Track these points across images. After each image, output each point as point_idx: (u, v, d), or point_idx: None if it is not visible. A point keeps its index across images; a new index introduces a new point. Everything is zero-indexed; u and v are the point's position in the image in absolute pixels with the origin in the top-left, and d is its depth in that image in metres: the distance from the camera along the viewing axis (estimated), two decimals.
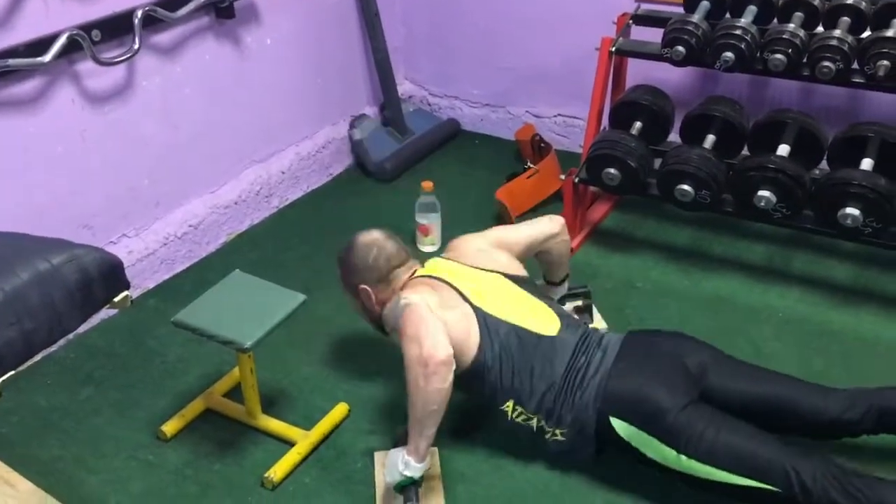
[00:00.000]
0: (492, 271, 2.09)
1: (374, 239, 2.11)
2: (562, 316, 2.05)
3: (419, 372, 1.77)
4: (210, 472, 2.06)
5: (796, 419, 1.89)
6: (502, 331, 1.95)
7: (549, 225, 2.23)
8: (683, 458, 1.77)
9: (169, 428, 2.15)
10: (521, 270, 2.15)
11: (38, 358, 2.18)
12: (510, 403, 1.93)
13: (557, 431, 1.92)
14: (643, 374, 1.87)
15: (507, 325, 1.96)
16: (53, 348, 2.35)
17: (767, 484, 1.71)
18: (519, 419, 1.94)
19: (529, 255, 2.22)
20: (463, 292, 1.98)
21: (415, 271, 2.11)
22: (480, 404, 2.15)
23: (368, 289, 2.08)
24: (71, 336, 2.33)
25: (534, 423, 1.93)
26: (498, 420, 1.98)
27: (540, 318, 2.01)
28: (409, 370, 1.80)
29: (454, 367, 1.80)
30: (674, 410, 1.79)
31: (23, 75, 2.25)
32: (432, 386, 1.77)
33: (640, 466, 1.88)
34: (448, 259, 2.15)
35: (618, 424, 1.84)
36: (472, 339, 1.92)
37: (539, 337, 1.96)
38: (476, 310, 1.96)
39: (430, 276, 2.05)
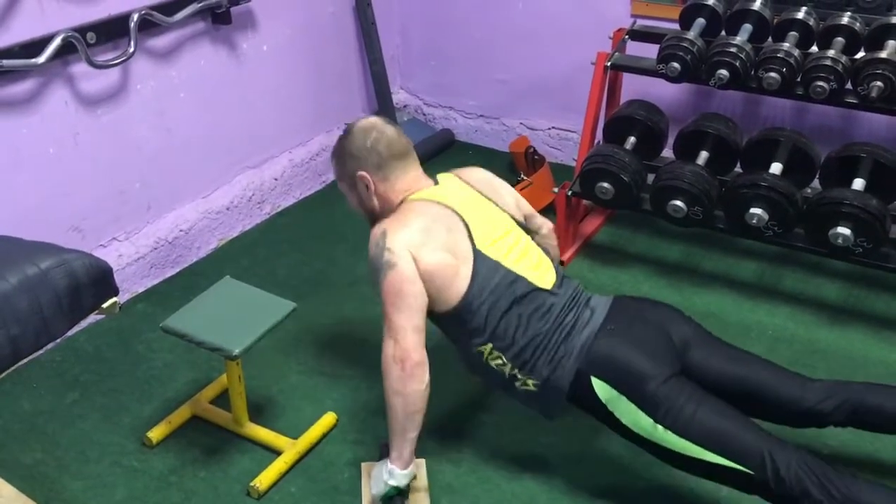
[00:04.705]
0: (503, 210, 2.02)
1: (372, 123, 1.98)
2: (558, 270, 2.01)
3: (396, 375, 1.77)
4: (195, 480, 2.04)
5: (770, 404, 1.89)
6: (497, 276, 1.88)
7: (541, 220, 2.20)
8: (660, 428, 1.75)
9: (155, 434, 2.13)
10: (522, 220, 2.08)
11: (24, 360, 2.17)
12: (488, 346, 1.88)
13: (529, 382, 1.87)
14: (630, 339, 1.85)
15: (504, 271, 1.89)
16: (40, 351, 2.33)
17: (741, 465, 1.70)
18: (493, 363, 1.89)
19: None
20: (469, 226, 1.89)
21: (419, 185, 1.97)
22: (469, 415, 2.14)
23: (367, 176, 1.94)
24: (59, 339, 2.32)
25: (507, 369, 1.88)
26: (468, 360, 1.94)
27: (538, 270, 1.95)
28: (385, 372, 1.78)
29: (427, 366, 1.78)
30: (657, 379, 1.77)
31: (17, 76, 2.24)
32: (410, 388, 1.77)
33: (632, 479, 1.87)
34: (461, 180, 2.04)
35: (598, 386, 1.81)
36: (459, 281, 1.85)
37: (533, 289, 1.90)
38: (476, 252, 1.87)
39: (436, 202, 1.92)
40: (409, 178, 1.97)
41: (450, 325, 1.92)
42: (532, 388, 1.87)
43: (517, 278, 1.89)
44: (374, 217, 1.98)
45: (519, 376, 1.88)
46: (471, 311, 1.86)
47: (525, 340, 1.86)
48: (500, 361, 1.88)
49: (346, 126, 2.02)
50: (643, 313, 1.95)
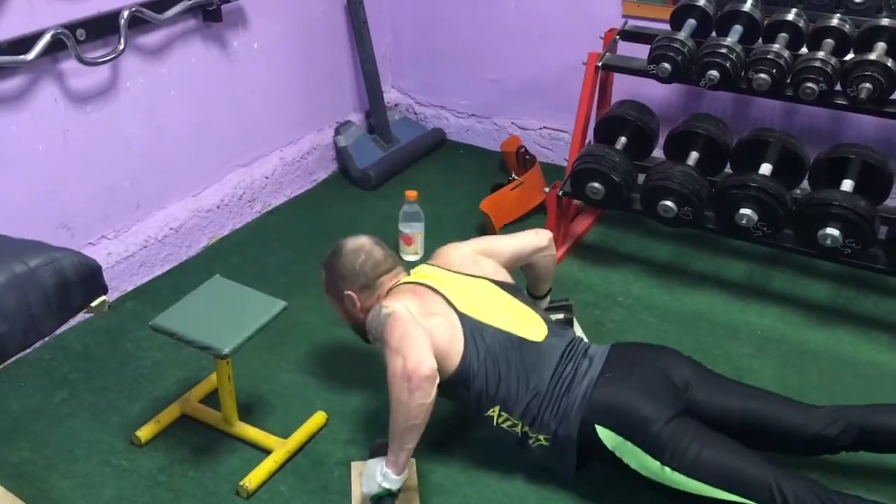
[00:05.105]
0: (478, 277, 2.08)
1: (361, 244, 2.10)
2: (548, 323, 2.04)
3: (403, 386, 1.76)
4: (184, 479, 2.04)
5: (777, 435, 1.90)
6: (488, 336, 1.94)
7: (537, 238, 2.23)
8: (667, 470, 1.77)
9: (143, 433, 2.13)
10: (507, 277, 2.14)
11: (11, 359, 2.15)
12: (496, 409, 1.92)
13: (541, 437, 1.91)
14: (630, 385, 1.88)
15: (494, 330, 1.95)
16: (28, 349, 2.32)
17: (751, 499, 1.72)
18: (504, 425, 1.93)
19: (514, 266, 2.22)
20: (448, 298, 1.97)
21: (399, 279, 2.10)
22: (462, 415, 2.14)
23: (353, 295, 2.07)
24: (47, 337, 2.31)
25: (518, 429, 1.93)
26: (482, 426, 1.98)
27: (527, 324, 2.00)
28: (393, 384, 1.78)
29: (438, 381, 1.79)
30: (659, 422, 1.80)
31: (5, 73, 2.23)
32: (416, 401, 1.76)
33: (621, 479, 1.88)
34: (434, 265, 2.14)
35: (603, 433, 1.84)
36: (455, 345, 1.91)
37: (526, 343, 1.95)
38: (461, 316, 1.95)
39: (414, 283, 2.04)
40: (392, 282, 2.09)
41: (457, 393, 1.95)
42: (545, 442, 1.92)
43: (508, 335, 1.95)
44: (361, 326, 2.08)
45: (530, 434, 1.92)
46: (472, 374, 1.91)
47: (529, 396, 1.91)
48: (510, 422, 1.93)
49: (336, 245, 2.12)
50: (641, 357, 1.97)
